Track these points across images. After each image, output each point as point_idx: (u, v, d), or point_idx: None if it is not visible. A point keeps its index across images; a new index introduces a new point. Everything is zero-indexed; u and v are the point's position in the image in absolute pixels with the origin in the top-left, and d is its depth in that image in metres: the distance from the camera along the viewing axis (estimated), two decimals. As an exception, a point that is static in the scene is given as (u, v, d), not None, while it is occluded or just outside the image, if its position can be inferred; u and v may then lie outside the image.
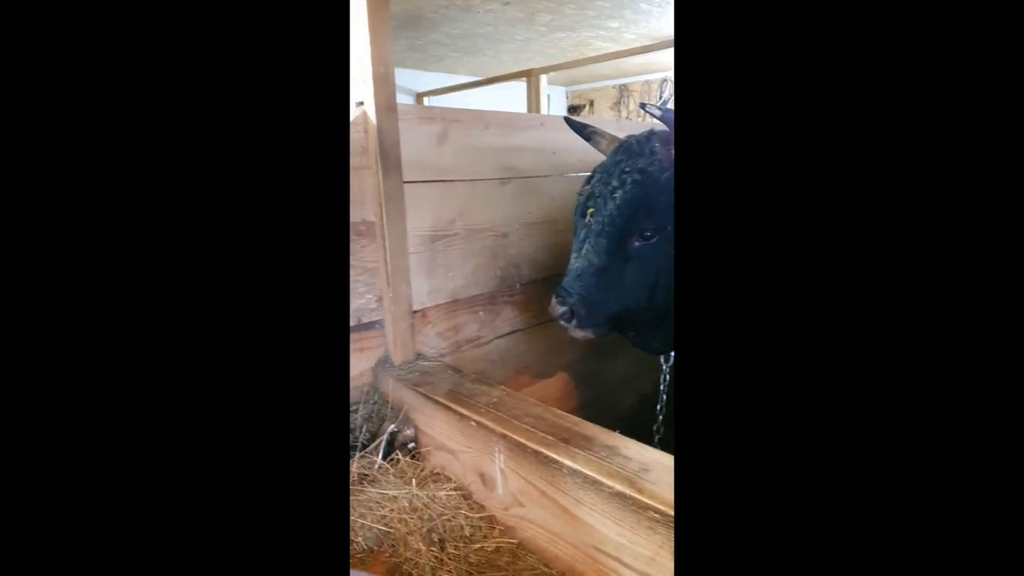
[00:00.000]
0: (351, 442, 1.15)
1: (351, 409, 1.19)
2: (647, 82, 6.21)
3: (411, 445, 1.13)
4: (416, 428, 1.13)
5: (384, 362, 1.24)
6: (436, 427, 1.07)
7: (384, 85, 1.11)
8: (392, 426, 1.12)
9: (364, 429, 1.14)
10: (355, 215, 1.15)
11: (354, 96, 1.15)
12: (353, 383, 1.20)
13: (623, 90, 6.60)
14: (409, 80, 5.87)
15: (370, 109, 1.12)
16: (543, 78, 3.70)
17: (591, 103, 6.90)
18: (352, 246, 1.15)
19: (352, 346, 1.19)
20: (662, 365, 1.38)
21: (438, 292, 1.35)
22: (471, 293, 1.44)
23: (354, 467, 1.03)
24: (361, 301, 1.19)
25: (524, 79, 3.81)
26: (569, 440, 0.87)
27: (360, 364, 1.21)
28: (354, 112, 1.13)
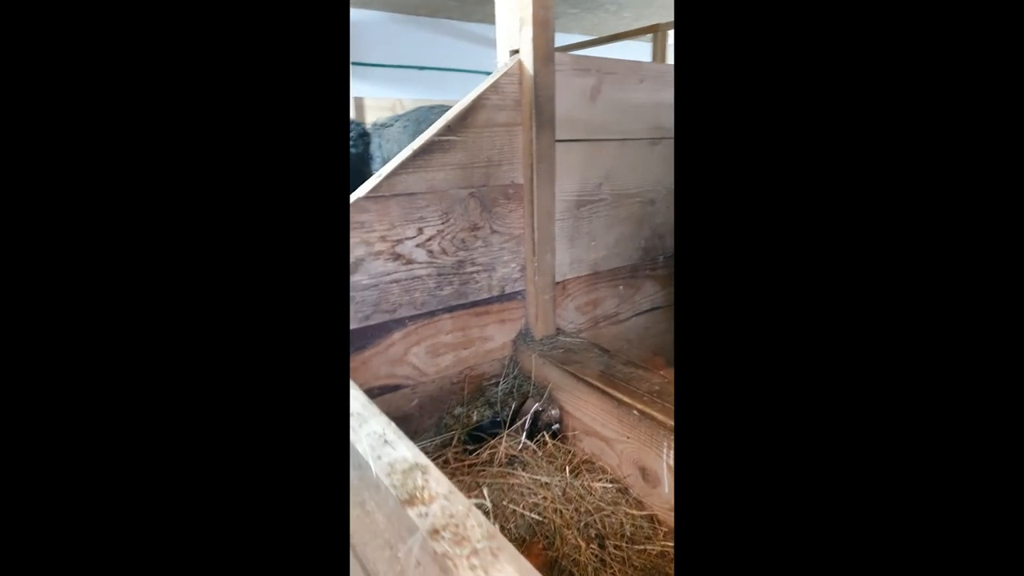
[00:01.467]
0: (492, 417, 1.10)
1: (492, 383, 1.13)
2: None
3: (556, 426, 1.05)
4: (561, 409, 1.05)
5: (524, 335, 1.17)
6: (586, 411, 0.98)
7: (545, 31, 1.00)
8: (537, 405, 1.05)
9: (511, 406, 1.08)
10: (504, 177, 1.06)
11: (507, 44, 1.05)
12: (493, 356, 1.14)
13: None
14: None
15: (527, 59, 1.02)
16: (671, 34, 3.41)
17: (712, 62, 6.35)
18: (499, 211, 1.07)
19: (494, 317, 1.12)
20: None
21: (580, 263, 1.25)
22: (612, 265, 1.33)
23: (501, 447, 0.97)
24: (505, 270, 1.11)
25: (649, 36, 3.54)
26: (760, 444, 0.75)
27: (501, 336, 1.14)
28: (508, 62, 1.04)
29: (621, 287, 1.37)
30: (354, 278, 0.92)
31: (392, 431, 0.44)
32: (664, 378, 0.96)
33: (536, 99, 1.02)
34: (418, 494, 0.36)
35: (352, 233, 0.90)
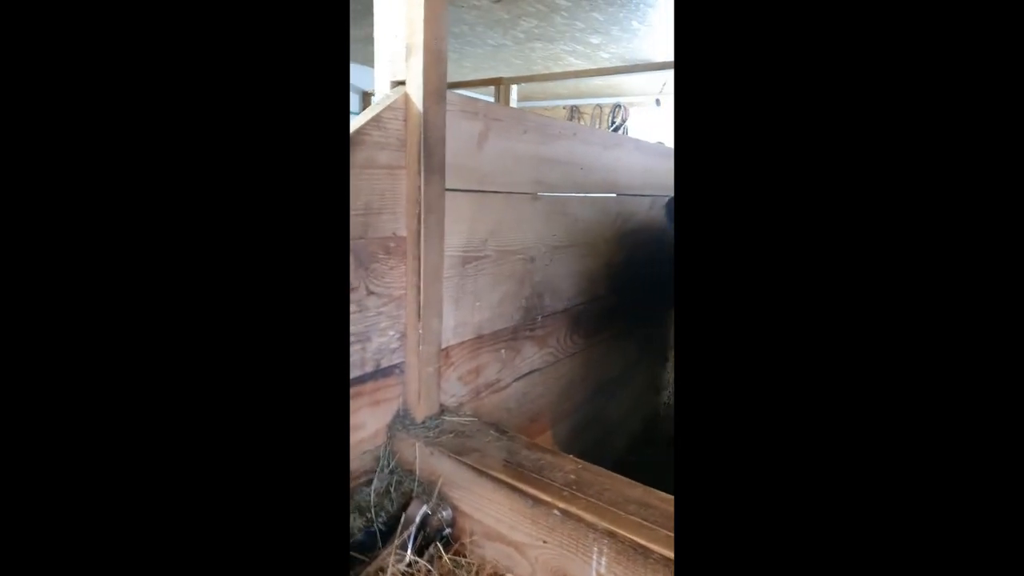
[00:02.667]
0: (365, 527, 0.87)
1: (363, 482, 0.91)
2: (599, 106, 6.23)
3: (446, 532, 0.87)
4: (455, 509, 0.87)
5: (402, 418, 0.97)
6: (491, 511, 0.82)
7: (437, 64, 0.86)
8: (425, 507, 0.85)
9: (388, 510, 0.86)
10: (384, 228, 0.88)
11: (390, 73, 0.89)
12: (364, 447, 0.91)
13: (574, 111, 6.59)
14: (352, 75, 5.51)
15: (415, 93, 0.87)
16: (514, 89, 3.53)
17: (540, 121, 6.84)
18: (377, 267, 0.88)
19: (367, 399, 0.91)
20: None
21: (464, 327, 1.10)
22: (496, 327, 1.20)
23: (388, 570, 0.75)
24: (382, 340, 0.91)
25: (492, 87, 3.62)
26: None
27: (374, 422, 0.93)
28: (392, 95, 0.87)
29: (503, 351, 1.25)
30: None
31: None
32: (577, 463, 0.85)
33: (425, 141, 0.87)
34: None
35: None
